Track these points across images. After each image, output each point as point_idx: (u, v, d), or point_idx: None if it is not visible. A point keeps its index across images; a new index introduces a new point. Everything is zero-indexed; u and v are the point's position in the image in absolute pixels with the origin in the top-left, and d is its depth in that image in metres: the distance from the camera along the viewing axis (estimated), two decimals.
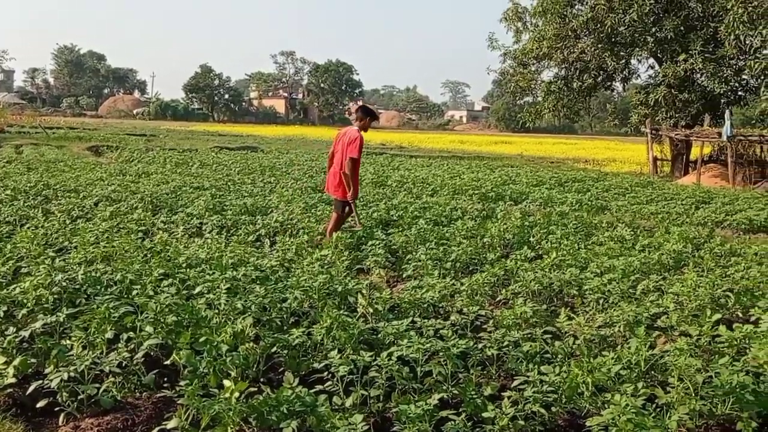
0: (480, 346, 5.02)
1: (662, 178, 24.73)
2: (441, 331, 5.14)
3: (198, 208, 11.03)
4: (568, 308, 7.00)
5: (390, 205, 12.62)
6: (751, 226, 12.44)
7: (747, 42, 11.95)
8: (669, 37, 24.02)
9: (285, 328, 5.61)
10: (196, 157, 22.44)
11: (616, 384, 4.58)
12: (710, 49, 23.15)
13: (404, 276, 8.19)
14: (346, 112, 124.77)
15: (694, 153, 26.89)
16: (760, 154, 23.96)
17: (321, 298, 6.05)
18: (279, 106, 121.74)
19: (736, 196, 17.33)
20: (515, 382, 4.35)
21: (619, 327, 5.85)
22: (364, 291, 6.39)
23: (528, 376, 4.33)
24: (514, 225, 11.27)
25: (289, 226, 10.42)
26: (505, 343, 5.16)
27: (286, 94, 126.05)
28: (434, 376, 4.52)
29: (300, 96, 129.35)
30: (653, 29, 24.45)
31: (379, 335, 5.28)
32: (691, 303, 6.68)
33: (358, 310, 6.10)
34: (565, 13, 25.37)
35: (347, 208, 9.90)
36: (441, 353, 4.72)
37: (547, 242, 10.24)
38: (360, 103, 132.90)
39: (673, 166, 26.72)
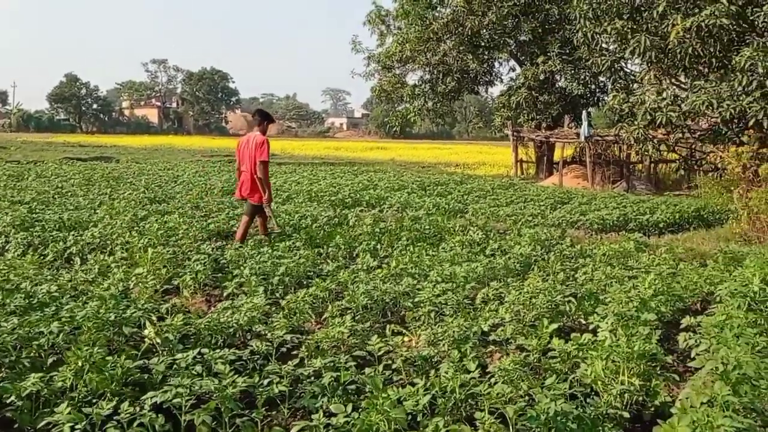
0: (267, 382, 4.16)
1: (526, 179, 24.87)
2: (217, 366, 4.26)
3: (1, 225, 9.68)
4: (398, 324, 6.32)
5: (232, 215, 11.64)
6: (603, 226, 12.28)
7: (594, 39, 11.89)
8: (528, 39, 24.21)
9: (43, 368, 4.59)
10: (37, 170, 20.57)
11: (425, 419, 3.86)
12: (567, 51, 23.46)
13: (225, 295, 7.27)
14: (223, 121, 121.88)
15: (558, 154, 27.27)
16: (618, 155, 24.48)
17: (96, 329, 5.04)
18: (152, 115, 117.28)
19: (594, 196, 17.41)
20: (293, 430, 3.54)
21: (445, 344, 5.16)
22: (153, 317, 5.44)
23: (311, 420, 3.54)
24: (364, 232, 10.57)
25: (109, 241, 9.28)
26: (305, 374, 4.35)
27: (159, 104, 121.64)
28: (198, 427, 3.65)
29: (174, 105, 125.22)
30: (513, 32, 24.59)
31: (152, 373, 4.35)
32: (529, 312, 6.12)
33: (146, 340, 5.15)
34: (426, 15, 25.11)
35: (258, 212, 9.92)
36: (216, 395, 3.86)
37: (394, 249, 9.60)
38: (238, 111, 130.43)
39: (538, 167, 27.01)
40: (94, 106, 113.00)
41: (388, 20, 27.13)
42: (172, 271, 7.91)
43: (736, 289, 6.61)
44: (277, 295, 7.47)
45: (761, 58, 9.65)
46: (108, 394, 4.04)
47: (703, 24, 10.49)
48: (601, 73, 22.32)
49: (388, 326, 6.01)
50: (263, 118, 9.99)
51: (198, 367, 4.47)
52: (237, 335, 5.68)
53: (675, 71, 11.80)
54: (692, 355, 5.26)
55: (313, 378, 4.30)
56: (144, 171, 21.32)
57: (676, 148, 12.04)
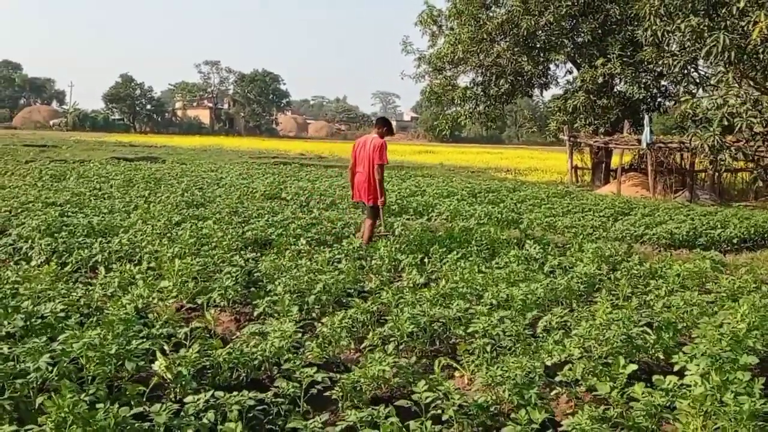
0: None
1: (582, 187, 23.76)
2: (231, 414, 3.51)
3: (26, 229, 9.14)
4: (448, 355, 5.52)
5: (271, 221, 10.96)
6: (672, 241, 11.26)
7: (664, 38, 10.91)
8: (587, 40, 23.11)
9: (30, 411, 3.90)
10: (80, 170, 20.26)
11: None
12: (628, 53, 22.30)
13: (256, 314, 6.55)
14: (273, 122, 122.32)
15: (615, 161, 26.09)
16: (680, 162, 23.24)
17: (97, 361, 4.33)
18: (204, 116, 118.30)
19: (657, 207, 16.33)
20: None
21: (505, 390, 4.33)
22: (165, 346, 4.73)
23: None
24: (411, 242, 9.79)
25: (138, 249, 8.67)
26: None
27: (210, 104, 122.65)
28: None
29: (225, 106, 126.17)
30: (570, 33, 23.52)
31: (153, 423, 3.62)
32: (601, 347, 5.25)
33: (155, 376, 4.43)
34: (480, 15, 24.17)
35: (377, 213, 10.12)
36: None
37: (443, 264, 8.79)
38: (289, 113, 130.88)
39: (594, 174, 25.86)
40: (148, 106, 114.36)
41: (441, 20, 26.25)
42: (201, 284, 7.23)
43: None
44: (314, 315, 6.74)
45: None
46: None
47: None
48: (666, 76, 21.24)
49: (437, 360, 5.21)
50: (383, 124, 10.44)
51: (210, 415, 3.74)
52: (262, 368, 4.93)
53: (755, 73, 10.75)
54: None
55: None
56: (187, 172, 20.85)
57: (755, 156, 11.00)
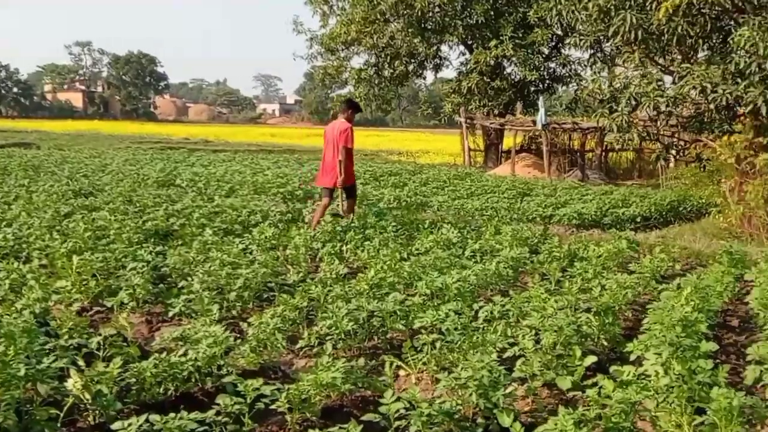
0: None
1: (476, 168, 23.88)
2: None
3: None
4: (391, 354, 5.12)
5: (171, 211, 10.20)
6: (582, 221, 11.31)
7: (570, 18, 10.88)
8: (479, 22, 23.10)
9: None
10: None
11: None
12: (520, 35, 22.51)
13: (171, 314, 5.92)
14: (151, 106, 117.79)
15: (507, 143, 26.42)
16: (568, 143, 23.78)
17: (2, 385, 3.65)
18: (76, 99, 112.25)
19: (554, 187, 16.54)
20: None
21: (472, 392, 3.97)
22: (80, 361, 4.08)
23: None
24: (324, 230, 9.32)
25: (25, 245, 7.78)
26: None
27: (83, 87, 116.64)
28: None
29: (100, 89, 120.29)
30: (463, 14, 23.46)
31: None
32: (550, 337, 4.97)
33: (69, 396, 3.80)
34: None
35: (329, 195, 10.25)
36: None
37: (363, 251, 8.39)
38: (167, 96, 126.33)
39: (486, 156, 26.10)
40: (14, 89, 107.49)
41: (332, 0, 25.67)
42: (104, 283, 6.52)
43: None
44: (234, 313, 6.20)
45: (763, 37, 8.76)
46: None
47: (694, 1, 9.55)
48: (550, 58, 21.62)
49: (387, 362, 4.81)
50: (349, 106, 10.44)
51: None
52: (192, 379, 4.37)
53: (658, 54, 10.89)
54: None
55: None
56: (68, 159, 19.43)
57: (659, 135, 11.22)
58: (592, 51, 11.90)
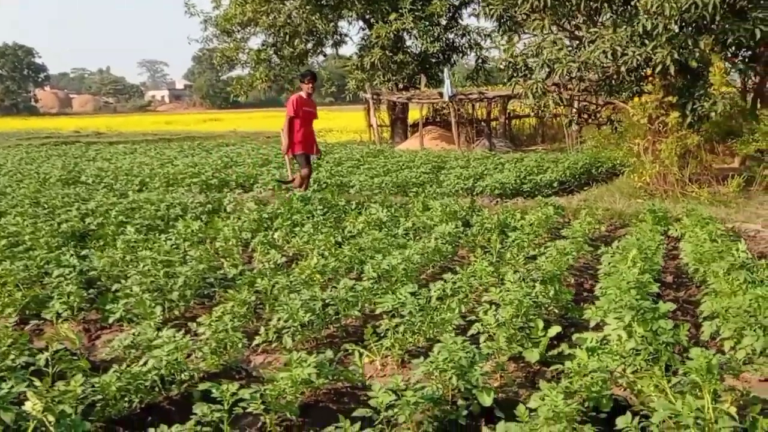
0: None
1: (384, 144, 23.86)
2: None
3: None
4: (351, 342, 5.04)
5: (86, 210, 9.70)
6: (504, 191, 11.47)
7: None
8: None
9: None
10: None
11: None
12: (419, 7, 22.53)
13: (111, 321, 5.60)
14: (32, 99, 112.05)
15: (411, 116, 26.52)
16: (473, 113, 24.09)
17: None
18: None
19: (467, 158, 16.72)
20: None
21: (452, 375, 3.93)
22: (37, 383, 3.79)
23: None
24: (250, 219, 9.08)
25: None
26: None
27: None
28: None
29: None
30: None
31: None
32: (510, 310, 4.98)
33: (31, 420, 3.52)
34: None
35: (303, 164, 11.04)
36: None
37: (295, 237, 8.23)
38: (47, 88, 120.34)
39: (393, 131, 26.12)
40: None
41: None
42: (29, 293, 6.12)
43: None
44: (177, 313, 5.95)
45: None
46: None
47: None
48: (449, 29, 21.71)
49: (355, 351, 4.72)
50: (301, 76, 11.30)
51: None
52: (156, 388, 4.15)
53: (565, 20, 11.08)
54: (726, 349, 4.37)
55: None
56: None
57: (571, 100, 11.49)
58: (500, 20, 12.02)
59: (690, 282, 6.65)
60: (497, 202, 10.69)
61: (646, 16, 9.65)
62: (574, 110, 11.63)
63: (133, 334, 4.72)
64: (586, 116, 11.42)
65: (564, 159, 14.67)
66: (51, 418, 3.52)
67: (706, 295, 5.37)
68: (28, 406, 3.55)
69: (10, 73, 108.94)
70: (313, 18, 23.72)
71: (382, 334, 4.90)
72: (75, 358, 4.62)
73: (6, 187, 12.27)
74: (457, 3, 24.58)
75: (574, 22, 11.65)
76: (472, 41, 25.06)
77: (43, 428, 3.61)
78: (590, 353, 4.28)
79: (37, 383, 3.79)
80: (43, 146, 24.93)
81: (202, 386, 3.91)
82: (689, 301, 6.10)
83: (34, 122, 58.90)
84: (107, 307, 5.66)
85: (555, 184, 12.29)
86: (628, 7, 10.59)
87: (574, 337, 4.76)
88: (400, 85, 24.50)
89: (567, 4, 10.53)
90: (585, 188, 12.49)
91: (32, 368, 4.26)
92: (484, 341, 4.72)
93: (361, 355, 4.69)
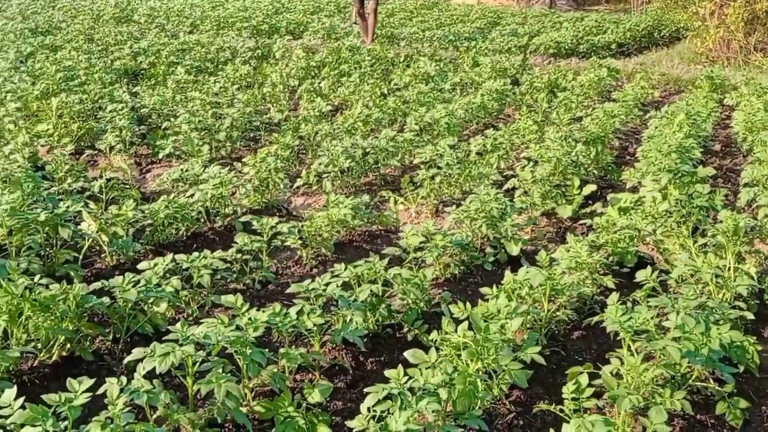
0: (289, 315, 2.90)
1: None
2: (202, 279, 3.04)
3: None
4: (389, 189, 5.18)
5: (138, 49, 9.80)
6: (559, 50, 11.18)
7: None
8: None
9: None
10: None
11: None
12: None
13: (161, 156, 5.82)
14: None
15: None
16: None
17: (20, 230, 3.59)
18: None
19: (524, 15, 16.19)
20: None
21: (482, 224, 4.06)
22: (92, 206, 4.04)
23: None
24: (298, 67, 9.08)
25: None
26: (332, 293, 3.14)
27: None
28: None
29: None
30: None
31: (117, 300, 3.07)
32: (548, 167, 5.03)
33: (86, 238, 3.79)
34: None
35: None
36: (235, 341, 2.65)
37: (341, 87, 8.24)
38: None
39: None
40: None
41: None
42: (85, 126, 6.35)
43: None
44: (224, 153, 6.14)
45: None
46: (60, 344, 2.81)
47: None
48: None
49: (391, 198, 4.88)
50: None
51: (175, 282, 3.23)
52: (201, 219, 4.39)
53: None
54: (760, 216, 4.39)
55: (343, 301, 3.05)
56: None
57: None
58: None
59: (738, 151, 6.57)
60: (550, 62, 10.45)
61: None
62: None
63: (182, 169, 4.93)
64: None
65: (626, 20, 14.11)
66: (104, 238, 3.79)
67: (750, 164, 5.32)
68: (84, 226, 3.83)
69: None
70: None
71: (418, 184, 5.02)
72: (127, 187, 4.88)
73: (61, 22, 12.36)
74: None
75: None
76: None
77: (97, 246, 3.90)
78: (621, 212, 4.36)
79: (92, 206, 4.04)
80: None
81: (244, 218, 4.13)
82: (733, 169, 6.06)
83: None
84: (157, 143, 5.87)
85: (613, 46, 11.91)
86: None
87: (610, 197, 4.82)
88: None
89: None
90: (644, 51, 12.10)
91: (87, 193, 4.52)
92: (519, 196, 4.82)
93: (396, 201, 4.84)
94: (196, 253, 3.42)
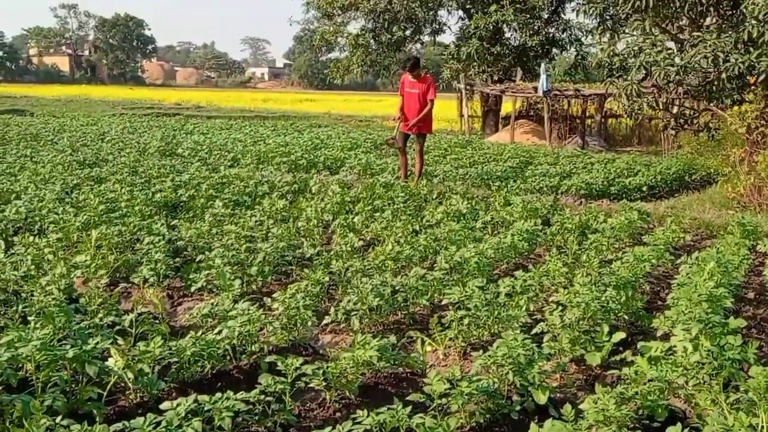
0: None
1: (474, 135, 23.81)
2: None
3: None
4: (416, 329, 5.17)
5: (178, 182, 10.16)
6: (590, 191, 11.33)
7: None
8: None
9: None
10: None
11: None
12: (520, 0, 22.34)
13: (193, 289, 5.91)
14: (139, 70, 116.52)
15: (504, 108, 26.31)
16: (567, 110, 23.72)
17: (48, 366, 3.64)
18: (62, 63, 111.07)
19: (556, 155, 16.54)
20: None
21: (509, 370, 4.01)
22: (120, 341, 4.09)
23: None
24: (333, 202, 9.31)
25: (38, 218, 7.74)
26: None
27: (70, 51, 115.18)
28: None
29: (87, 53, 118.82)
30: None
31: None
32: (577, 312, 4.99)
33: (110, 376, 3.81)
34: None
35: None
36: None
37: (374, 222, 8.39)
38: (154, 60, 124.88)
39: (484, 122, 26.01)
40: None
41: None
42: (121, 258, 6.51)
43: None
44: (255, 287, 6.21)
45: None
46: None
47: None
48: (549, 23, 21.34)
49: (418, 339, 4.86)
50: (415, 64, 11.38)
51: (196, 424, 3.21)
52: (227, 357, 4.40)
53: (667, 22, 10.82)
54: None
55: None
56: (65, 127, 19.26)
57: (667, 105, 11.16)
58: (600, 18, 11.82)
59: None
60: (581, 202, 10.57)
61: (753, 22, 9.32)
62: (671, 114, 11.29)
63: (212, 304, 4.99)
64: (682, 121, 11.06)
65: (657, 163, 14.34)
66: (130, 375, 3.81)
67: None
68: (110, 362, 3.86)
69: (120, 44, 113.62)
70: (413, 5, 23.84)
71: (446, 325, 5.01)
72: (156, 321, 4.94)
73: (108, 155, 12.94)
74: None
75: (677, 24, 11.34)
76: (572, 36, 24.69)
77: (123, 383, 3.91)
78: (652, 362, 4.28)
79: (121, 342, 4.09)
80: (146, 116, 26.03)
81: (269, 358, 4.13)
82: (766, 319, 5.94)
83: (139, 92, 61.30)
84: (190, 276, 5.99)
85: (644, 189, 12.05)
86: (736, 12, 10.24)
87: (640, 344, 4.74)
88: (495, 77, 24.36)
89: (671, 5, 10.26)
90: (675, 195, 12.20)
91: (117, 327, 4.58)
92: (547, 341, 4.78)
93: (423, 342, 4.82)
94: (219, 394, 3.42)
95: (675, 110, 11.49)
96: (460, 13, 25.47)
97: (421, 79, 11.30)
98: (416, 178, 11.47)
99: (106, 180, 10.11)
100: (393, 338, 4.53)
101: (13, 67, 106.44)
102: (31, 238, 6.66)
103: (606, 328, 4.90)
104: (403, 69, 11.86)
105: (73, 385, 3.70)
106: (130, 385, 3.86)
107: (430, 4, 24.17)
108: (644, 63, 9.97)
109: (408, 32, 25.60)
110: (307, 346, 4.92)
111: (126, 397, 3.88)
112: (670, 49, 10.57)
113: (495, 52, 23.37)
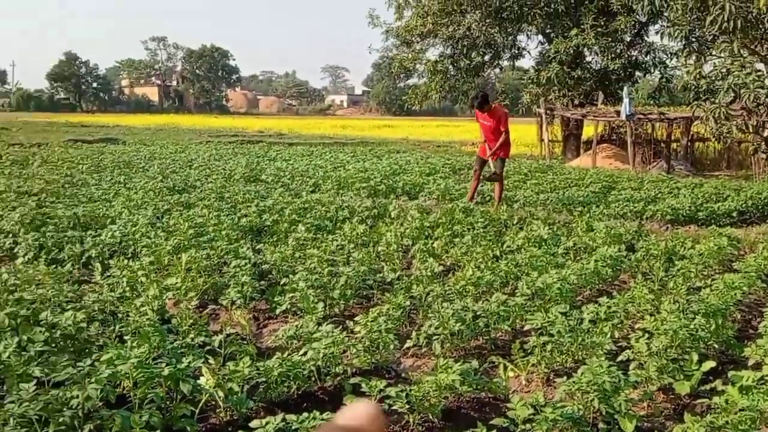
0: None
1: (555, 160, 23.54)
2: None
3: (9, 223, 8.48)
4: (498, 355, 5.15)
5: (263, 207, 10.43)
6: (676, 217, 11.05)
7: (663, 6, 10.62)
8: (559, 10, 22.76)
9: None
10: (42, 154, 19.30)
11: None
12: (602, 23, 22.06)
13: (278, 311, 6.06)
14: (224, 99, 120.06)
15: (585, 132, 25.92)
16: (651, 133, 23.17)
17: (145, 383, 3.81)
18: (152, 94, 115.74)
19: (640, 179, 16.17)
20: None
21: (594, 397, 3.96)
22: (211, 361, 4.24)
23: None
24: (412, 227, 9.37)
25: (132, 242, 8.08)
26: None
27: (159, 82, 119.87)
28: None
29: (174, 83, 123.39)
30: (542, 3, 23.12)
31: None
32: (664, 340, 4.90)
33: (201, 394, 3.95)
34: None
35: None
36: None
37: (454, 247, 8.40)
38: (238, 89, 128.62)
39: (565, 147, 25.66)
40: (94, 84, 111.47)
41: None
42: (210, 280, 6.73)
43: None
44: (337, 310, 6.31)
45: None
46: None
47: None
48: (632, 46, 20.92)
49: (500, 364, 4.85)
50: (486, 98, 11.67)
51: None
52: (312, 378, 4.49)
53: (757, 43, 10.53)
54: None
55: None
56: (155, 155, 20.04)
57: (758, 128, 10.83)
58: (685, 41, 11.59)
59: None
60: (667, 228, 10.31)
61: None
62: (761, 137, 10.91)
63: (296, 326, 5.12)
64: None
65: (747, 187, 13.85)
66: (221, 393, 3.94)
67: None
68: (202, 381, 4.00)
69: (206, 74, 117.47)
70: (493, 31, 23.87)
71: (529, 351, 4.98)
72: (244, 342, 5.09)
73: (196, 181, 13.40)
74: (643, 20, 23.76)
75: (767, 46, 11.04)
76: (656, 59, 24.20)
77: (213, 401, 4.05)
78: (743, 391, 4.16)
79: (211, 361, 4.24)
80: (231, 144, 26.79)
81: (353, 380, 4.20)
82: None
83: (224, 121, 63.20)
84: (275, 299, 6.14)
85: (734, 214, 11.65)
86: None
87: (731, 374, 4.61)
88: (576, 101, 24.06)
89: (760, 26, 10.00)
90: (767, 221, 11.75)
91: (207, 348, 4.75)
92: (634, 369, 4.69)
93: (506, 368, 4.80)
94: (305, 414, 3.50)
95: (766, 133, 11.11)
96: (540, 37, 25.36)
97: (491, 112, 11.42)
98: (496, 203, 11.46)
99: (195, 205, 10.46)
100: (475, 363, 4.54)
101: (106, 97, 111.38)
102: (126, 261, 6.97)
103: (695, 357, 4.78)
104: (470, 108, 12.10)
105: (167, 402, 3.86)
106: (220, 403, 3.99)
107: (509, 30, 24.13)
108: (733, 85, 9.73)
109: (487, 57, 25.59)
110: (389, 369, 4.98)
111: (216, 415, 4.01)
112: (759, 70, 10.28)
113: (576, 76, 23.08)
